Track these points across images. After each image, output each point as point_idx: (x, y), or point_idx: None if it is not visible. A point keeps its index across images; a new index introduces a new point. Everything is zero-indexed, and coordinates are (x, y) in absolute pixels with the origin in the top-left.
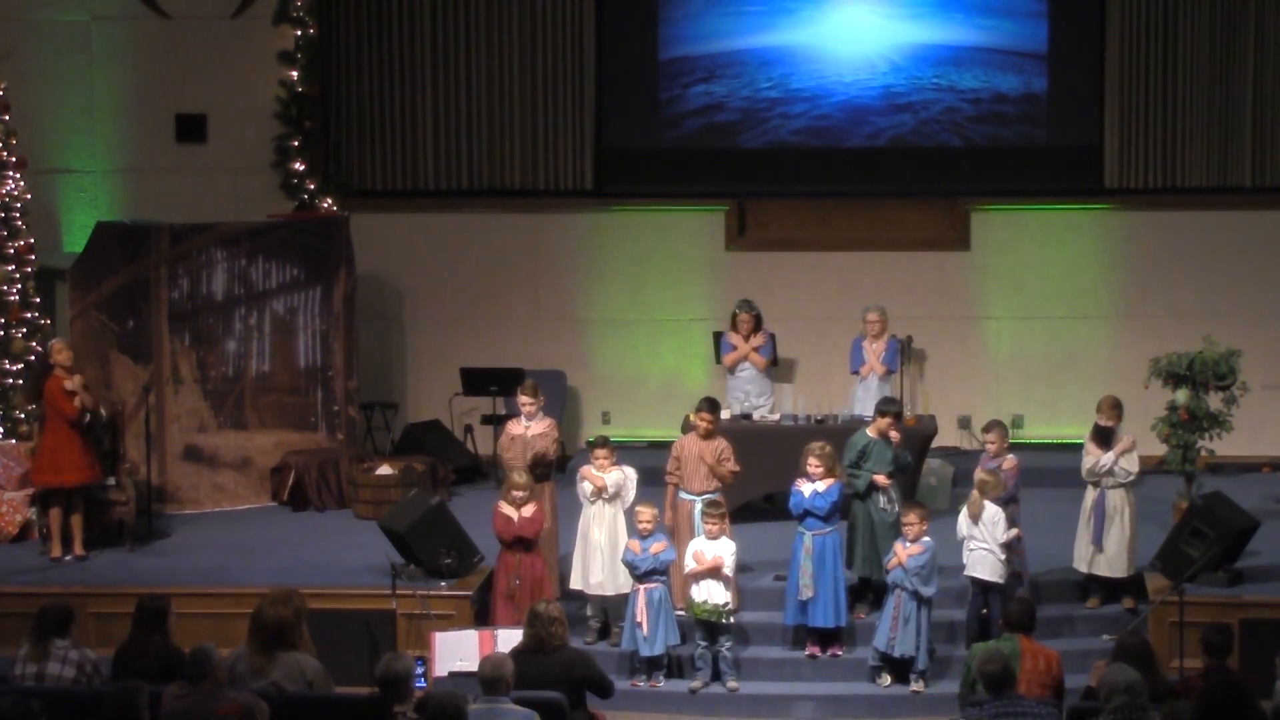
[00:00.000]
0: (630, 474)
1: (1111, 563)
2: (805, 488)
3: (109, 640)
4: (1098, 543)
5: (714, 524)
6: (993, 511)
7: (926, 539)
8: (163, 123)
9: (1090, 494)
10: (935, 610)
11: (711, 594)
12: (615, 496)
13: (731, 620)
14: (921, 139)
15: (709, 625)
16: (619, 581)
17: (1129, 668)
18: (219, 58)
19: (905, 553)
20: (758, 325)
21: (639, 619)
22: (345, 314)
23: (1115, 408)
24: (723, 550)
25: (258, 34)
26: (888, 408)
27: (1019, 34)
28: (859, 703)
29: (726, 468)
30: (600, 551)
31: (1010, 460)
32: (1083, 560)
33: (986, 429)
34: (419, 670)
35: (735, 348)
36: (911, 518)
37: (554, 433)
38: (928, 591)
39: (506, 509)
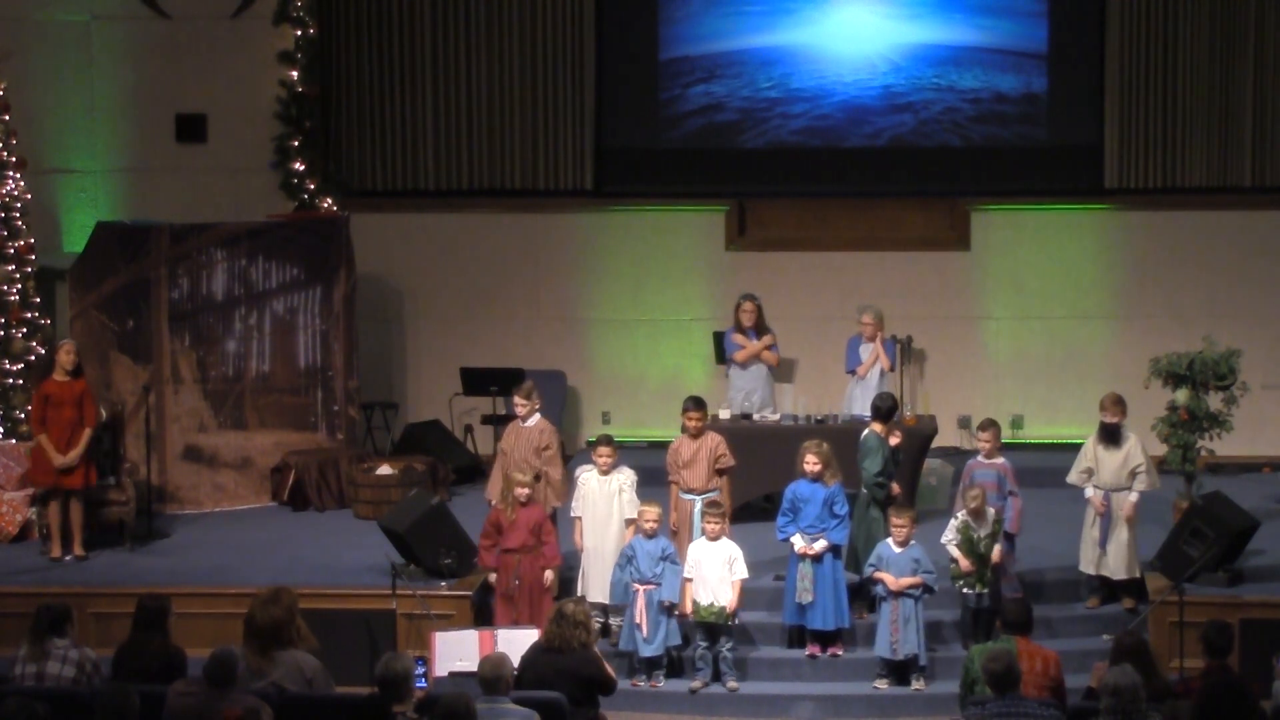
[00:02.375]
0: (630, 475)
1: (1114, 564)
2: (798, 540)
3: (109, 640)
4: (1104, 544)
5: (714, 524)
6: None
7: (914, 544)
8: (163, 123)
9: (1095, 494)
10: (933, 610)
11: (717, 596)
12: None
13: (735, 621)
14: (921, 139)
15: (710, 627)
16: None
17: (1131, 669)
18: (219, 58)
19: (905, 581)
20: (760, 318)
21: (638, 620)
22: (345, 314)
23: (1118, 404)
24: (731, 553)
25: (258, 34)
26: (883, 403)
27: (1019, 34)
28: (859, 703)
29: (723, 463)
30: (604, 561)
31: (1001, 460)
32: (1089, 562)
33: (982, 427)
34: (419, 670)
35: (743, 346)
36: (903, 520)
37: (556, 438)
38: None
39: (513, 534)
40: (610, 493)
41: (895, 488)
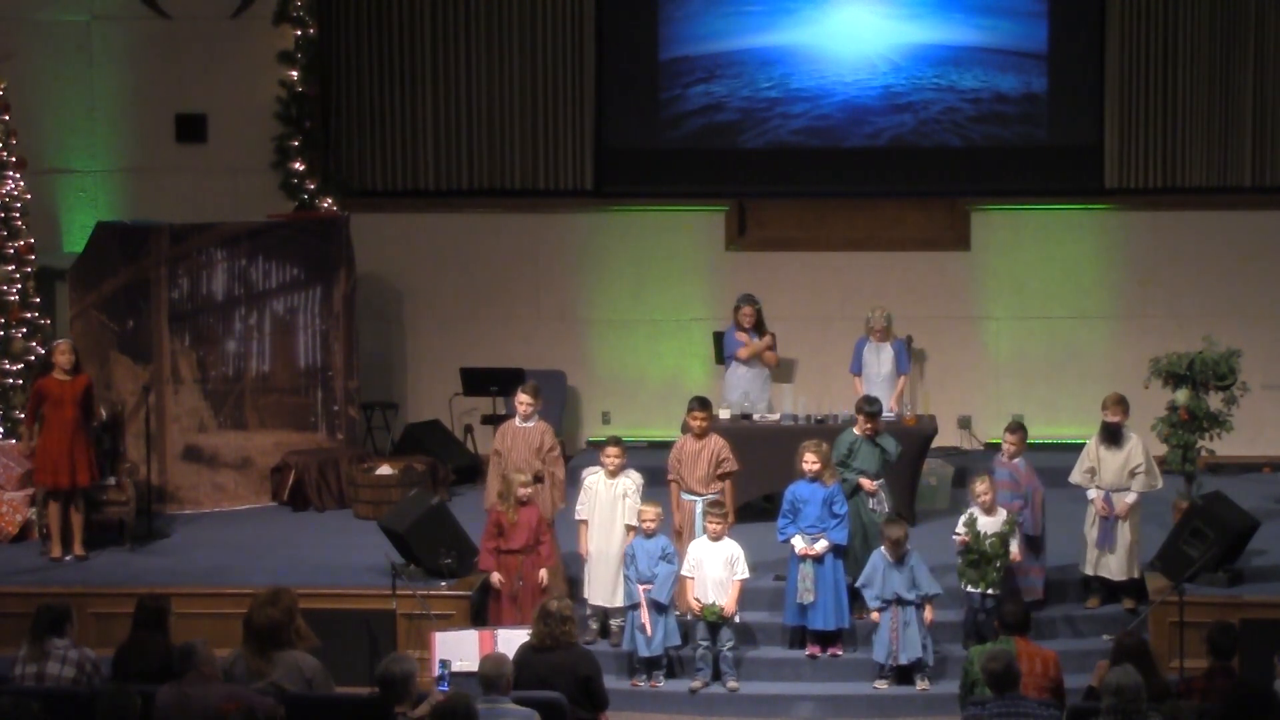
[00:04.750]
0: (636, 479)
1: (1114, 566)
2: (798, 542)
3: (109, 640)
4: (1103, 545)
5: (716, 524)
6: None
7: (911, 552)
8: (163, 123)
9: (1097, 495)
10: (934, 611)
11: (719, 596)
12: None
13: (736, 620)
14: (921, 139)
15: (712, 625)
16: (628, 590)
17: (1133, 669)
18: (219, 58)
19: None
20: (759, 320)
21: (642, 619)
22: (345, 314)
23: (1120, 403)
24: (733, 552)
25: (258, 34)
26: (867, 407)
27: (1019, 34)
28: (859, 703)
29: (725, 468)
30: (608, 563)
31: (1019, 463)
32: (1089, 563)
33: (1010, 429)
34: (440, 673)
35: (745, 343)
36: (897, 535)
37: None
38: (934, 590)
39: (508, 542)
40: (616, 496)
41: (867, 484)
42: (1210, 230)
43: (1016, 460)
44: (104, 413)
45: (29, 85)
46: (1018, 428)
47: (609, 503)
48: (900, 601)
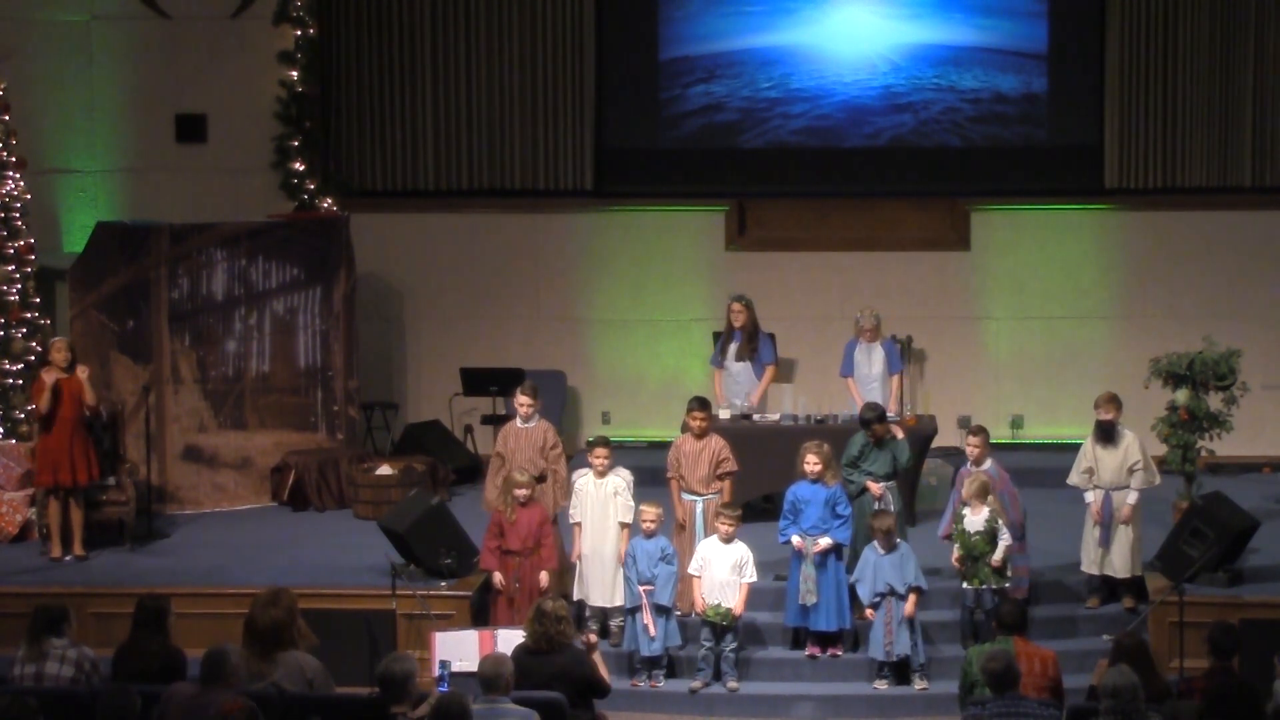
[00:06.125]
0: (626, 477)
1: (1118, 563)
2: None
3: (109, 640)
4: (1106, 543)
5: (728, 525)
6: None
7: (901, 545)
8: (163, 123)
9: (1096, 496)
10: (933, 611)
11: (725, 597)
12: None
13: (739, 624)
14: (921, 139)
15: (715, 626)
16: (625, 591)
17: (1129, 670)
18: (219, 58)
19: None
20: (751, 317)
21: (645, 620)
22: (345, 314)
23: (1112, 401)
24: (742, 555)
25: (258, 34)
26: (867, 414)
27: (1019, 34)
28: (859, 703)
29: (725, 468)
30: (603, 563)
31: (989, 466)
32: (1091, 562)
33: (972, 432)
34: (440, 673)
35: (721, 359)
36: (883, 527)
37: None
38: (921, 584)
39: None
40: (606, 495)
41: (874, 488)
42: (1210, 230)
43: (986, 466)
44: (104, 412)
45: (29, 85)
46: (979, 430)
47: (600, 502)
48: (893, 594)
